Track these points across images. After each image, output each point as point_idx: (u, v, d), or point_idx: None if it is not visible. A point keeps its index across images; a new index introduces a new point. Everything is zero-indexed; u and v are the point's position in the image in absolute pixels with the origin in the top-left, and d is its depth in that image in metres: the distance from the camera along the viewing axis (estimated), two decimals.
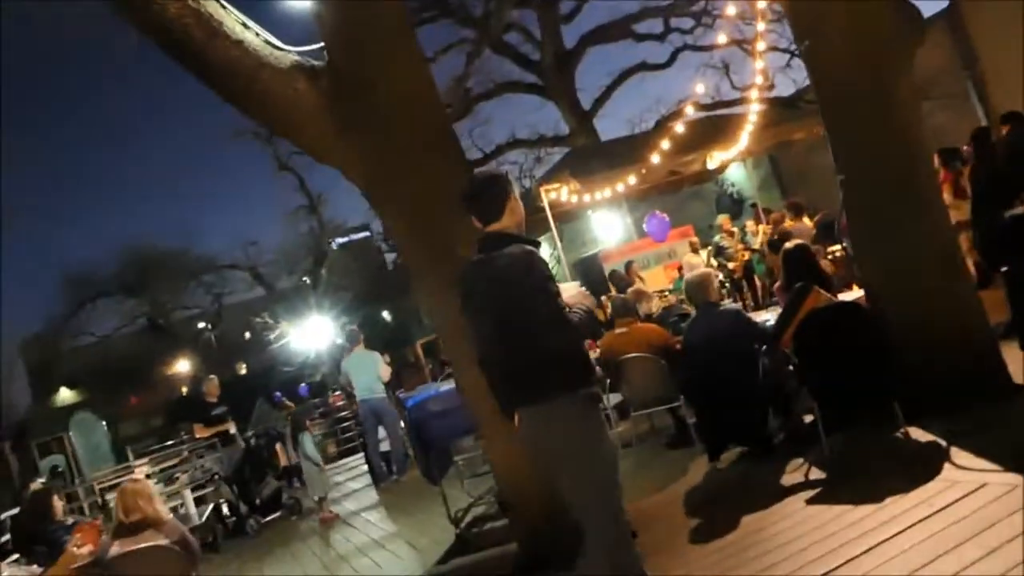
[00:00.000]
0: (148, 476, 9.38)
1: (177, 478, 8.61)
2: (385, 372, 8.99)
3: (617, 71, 18.81)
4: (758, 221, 13.60)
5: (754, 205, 15.77)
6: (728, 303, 5.94)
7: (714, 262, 11.78)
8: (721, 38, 8.64)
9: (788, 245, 5.17)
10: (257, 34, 4.51)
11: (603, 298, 9.29)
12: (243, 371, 22.53)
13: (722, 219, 12.53)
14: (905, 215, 4.84)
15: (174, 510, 7.55)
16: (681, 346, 5.45)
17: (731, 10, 7.69)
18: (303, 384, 19.46)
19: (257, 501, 8.51)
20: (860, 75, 4.85)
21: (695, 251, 12.23)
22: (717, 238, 12.28)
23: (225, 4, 4.44)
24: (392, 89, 4.49)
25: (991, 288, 6.76)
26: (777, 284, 5.73)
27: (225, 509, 8.49)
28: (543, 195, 10.60)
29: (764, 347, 5.08)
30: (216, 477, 8.31)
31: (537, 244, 3.12)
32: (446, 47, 17.47)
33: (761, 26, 7.89)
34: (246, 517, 8.32)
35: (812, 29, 5.02)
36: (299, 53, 4.64)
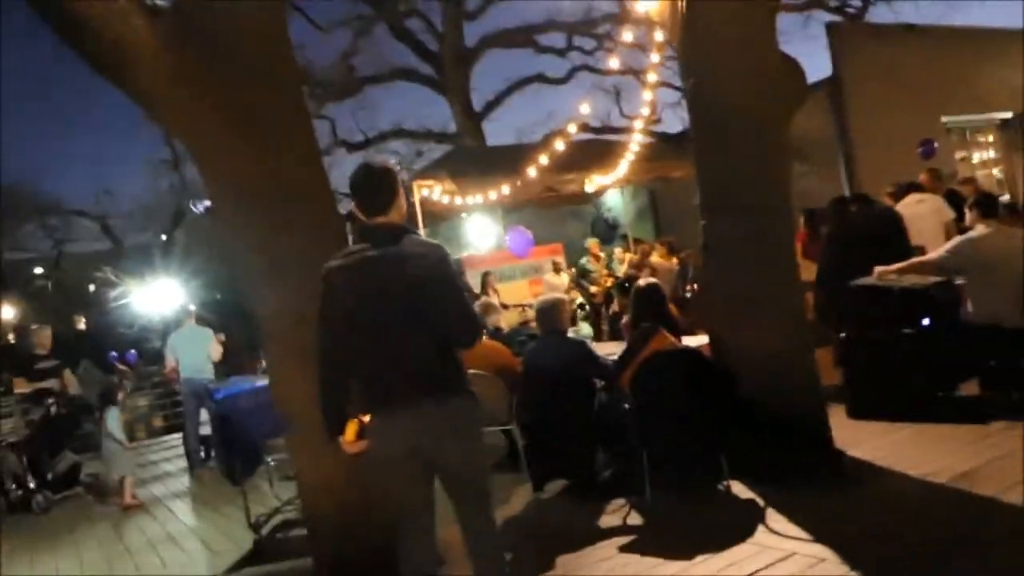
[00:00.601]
0: None
1: None
2: (215, 351, 8.36)
3: (514, 78, 18.70)
4: (626, 250, 13.75)
5: (625, 236, 16.01)
6: (580, 329, 5.78)
7: (575, 284, 11.75)
8: (614, 63, 8.52)
9: (640, 283, 5.08)
10: None
11: None
12: (81, 326, 20.78)
13: (591, 243, 12.55)
14: (759, 266, 4.83)
15: None
16: (521, 369, 5.24)
17: (628, 37, 7.61)
18: (132, 350, 18.10)
19: (50, 475, 7.69)
20: (739, 121, 4.81)
21: (557, 271, 12.19)
22: (583, 260, 12.28)
23: None
24: (243, 42, 4.03)
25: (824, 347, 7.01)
26: (624, 320, 5.63)
27: (11, 481, 7.60)
28: (416, 190, 10.26)
29: (603, 383, 4.95)
30: (1, 443, 7.43)
31: None
32: (342, 21, 16.83)
33: (655, 57, 7.84)
34: (33, 492, 7.49)
35: (699, 69, 4.96)
36: None
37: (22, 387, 8.10)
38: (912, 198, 7.88)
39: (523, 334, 6.46)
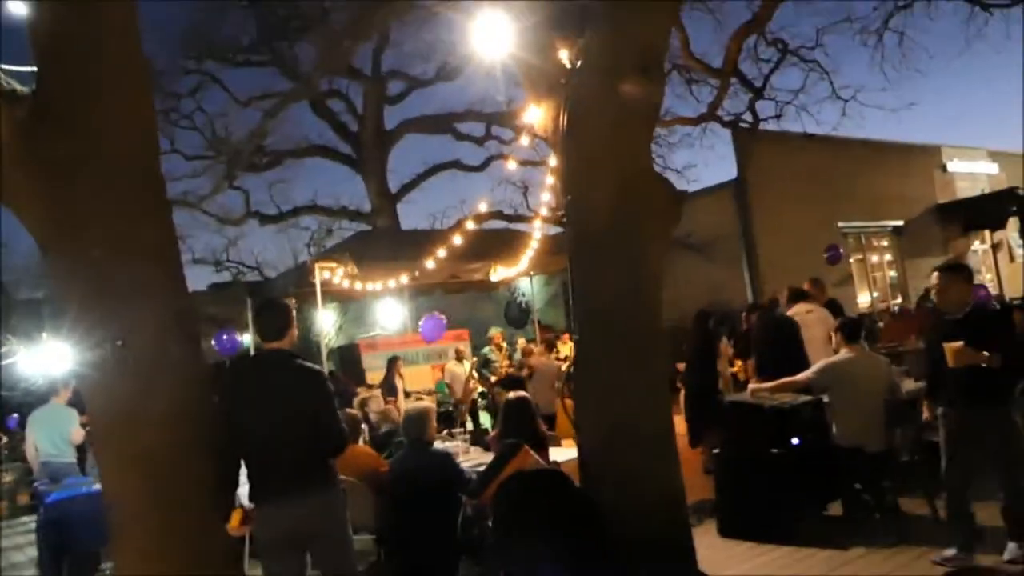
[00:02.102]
0: None
1: None
2: (77, 435, 7.82)
3: (431, 162, 18.87)
4: (530, 340, 13.76)
5: (534, 321, 16.07)
6: (446, 444, 5.65)
7: (476, 374, 11.65)
8: (512, 165, 8.65)
9: (511, 395, 5.01)
10: None
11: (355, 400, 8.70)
12: None
13: (494, 332, 12.56)
14: (627, 383, 4.81)
15: None
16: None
17: (525, 140, 7.75)
18: (14, 415, 16.99)
19: None
20: (612, 241, 4.85)
21: (460, 359, 12.08)
22: (486, 350, 12.24)
23: None
24: (102, 138, 3.87)
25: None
26: (493, 433, 5.54)
27: None
28: (317, 272, 10.11)
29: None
30: None
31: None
32: (261, 95, 16.71)
33: (553, 162, 7.97)
34: None
35: (575, 185, 5.01)
36: (8, 72, 3.96)
37: None
38: (802, 307, 8.07)
39: (398, 436, 6.28)
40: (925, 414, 5.09)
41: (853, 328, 5.63)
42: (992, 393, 4.52)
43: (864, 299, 19.58)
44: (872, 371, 5.45)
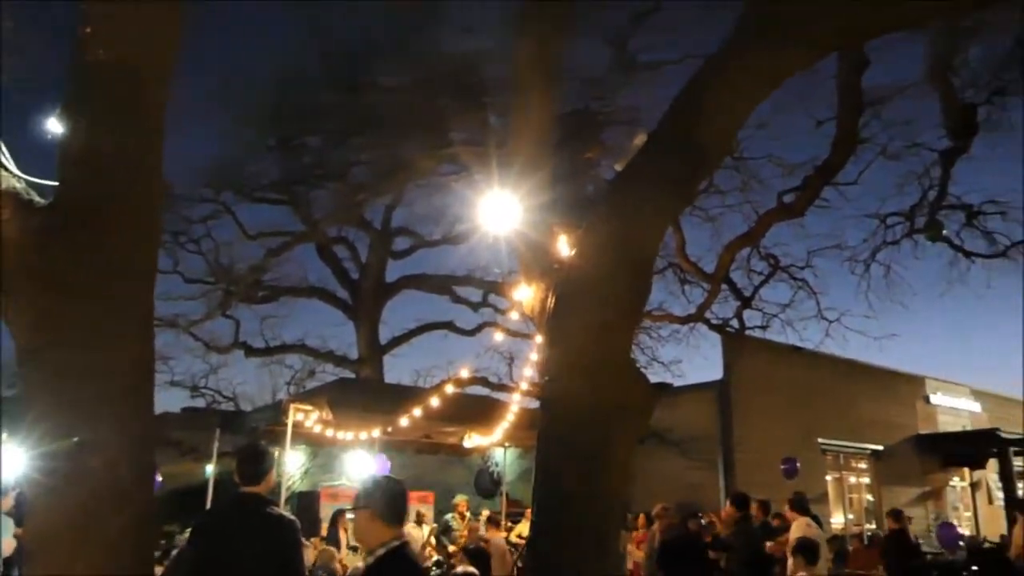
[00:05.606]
0: None
1: None
2: (7, 545, 7.47)
3: (425, 320, 19.13)
4: (497, 513, 13.43)
5: (502, 493, 15.74)
6: None
7: (434, 540, 11.29)
8: (499, 336, 8.82)
9: (459, 570, 4.87)
10: None
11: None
12: None
13: (459, 499, 12.30)
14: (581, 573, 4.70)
15: None
16: None
17: (516, 315, 7.93)
18: None
19: None
20: (584, 430, 4.87)
21: (419, 523, 11.75)
22: (448, 517, 11.93)
23: None
24: (106, 263, 4.00)
25: None
26: None
27: None
28: (292, 412, 10.04)
29: None
30: None
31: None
32: (272, 232, 17.17)
33: (539, 339, 8.14)
34: None
35: (554, 368, 5.11)
36: (36, 185, 4.15)
37: None
38: (804, 521, 7.66)
39: None
40: None
41: (812, 551, 5.54)
42: None
43: (838, 520, 19.24)
44: None
